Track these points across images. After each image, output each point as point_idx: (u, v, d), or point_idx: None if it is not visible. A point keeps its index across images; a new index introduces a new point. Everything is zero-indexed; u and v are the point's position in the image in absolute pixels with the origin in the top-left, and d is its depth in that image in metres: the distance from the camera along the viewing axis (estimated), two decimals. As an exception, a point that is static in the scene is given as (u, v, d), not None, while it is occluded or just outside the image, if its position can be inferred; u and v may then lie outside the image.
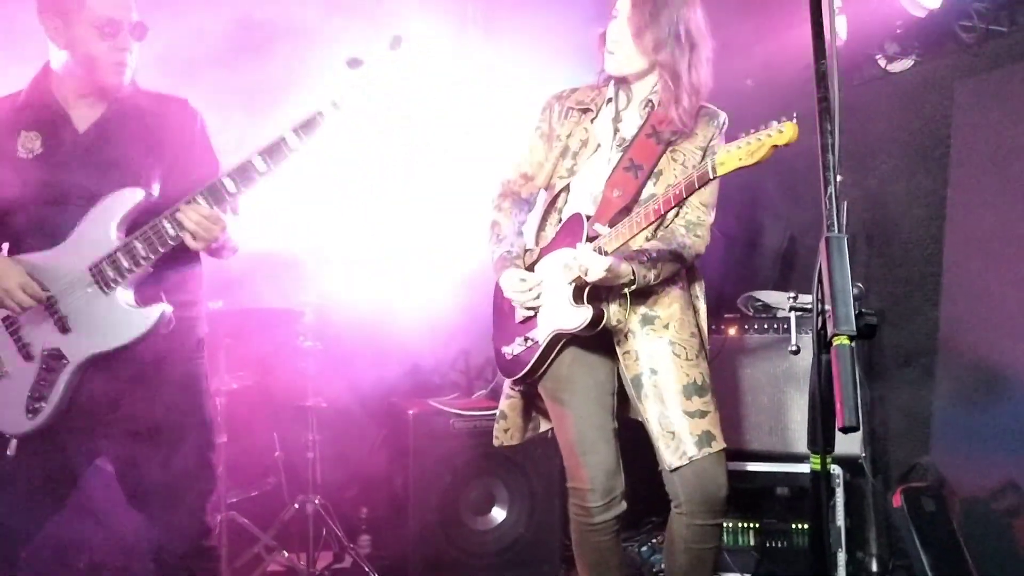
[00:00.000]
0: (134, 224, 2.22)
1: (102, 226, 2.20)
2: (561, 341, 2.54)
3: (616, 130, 2.53)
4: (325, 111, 2.16)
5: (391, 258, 4.09)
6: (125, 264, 2.18)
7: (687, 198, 2.30)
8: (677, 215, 2.51)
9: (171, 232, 2.17)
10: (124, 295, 2.20)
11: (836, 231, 1.36)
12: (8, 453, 2.19)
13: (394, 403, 4.04)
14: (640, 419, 2.54)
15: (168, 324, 2.23)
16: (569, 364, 2.56)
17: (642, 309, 2.51)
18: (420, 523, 3.67)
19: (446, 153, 4.21)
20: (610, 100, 2.56)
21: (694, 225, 2.51)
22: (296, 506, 3.74)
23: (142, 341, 2.19)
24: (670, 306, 2.51)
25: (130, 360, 2.23)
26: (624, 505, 2.58)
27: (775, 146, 2.05)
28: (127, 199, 2.21)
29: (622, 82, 2.55)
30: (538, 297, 2.53)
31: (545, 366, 2.57)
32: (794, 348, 3.21)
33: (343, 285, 3.95)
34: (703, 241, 2.52)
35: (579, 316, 2.43)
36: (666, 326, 2.49)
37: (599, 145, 2.53)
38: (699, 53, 2.41)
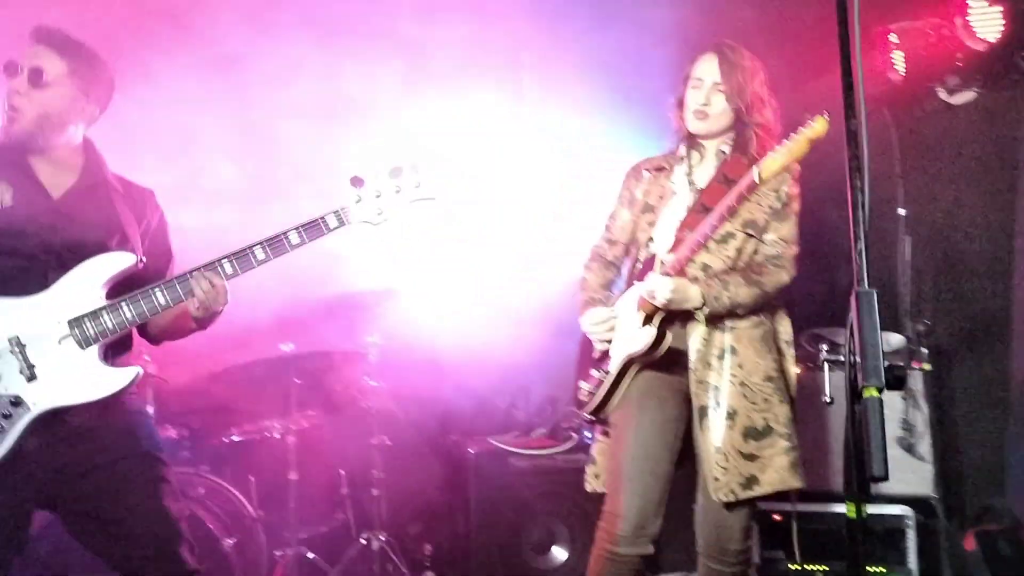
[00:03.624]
0: (116, 287, 2.29)
1: (88, 284, 2.24)
2: (631, 368, 2.64)
3: (691, 181, 2.70)
4: (330, 220, 2.30)
5: (453, 298, 4.19)
6: (109, 324, 2.22)
7: (754, 233, 2.52)
8: (756, 251, 2.61)
9: (161, 300, 2.24)
10: (99, 353, 2.24)
11: (865, 285, 1.38)
12: None
13: (455, 441, 4.12)
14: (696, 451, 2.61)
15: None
16: (640, 394, 2.65)
17: (722, 343, 2.58)
18: (482, 561, 3.72)
19: (504, 197, 4.33)
20: (683, 158, 2.75)
21: (773, 258, 2.61)
22: (362, 542, 3.83)
23: (110, 398, 2.23)
24: (749, 346, 2.58)
25: (84, 408, 2.25)
26: (651, 549, 2.61)
27: (809, 140, 2.35)
28: (118, 262, 2.27)
29: (693, 141, 2.74)
30: (612, 330, 2.67)
31: (616, 395, 2.67)
32: (828, 399, 3.21)
33: (406, 325, 4.07)
34: (785, 271, 2.61)
35: (644, 336, 2.56)
36: (740, 366, 2.56)
37: (675, 195, 2.70)
38: (768, 104, 2.66)
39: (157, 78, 3.52)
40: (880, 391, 1.31)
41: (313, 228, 2.30)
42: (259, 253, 2.27)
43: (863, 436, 1.28)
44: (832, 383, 3.66)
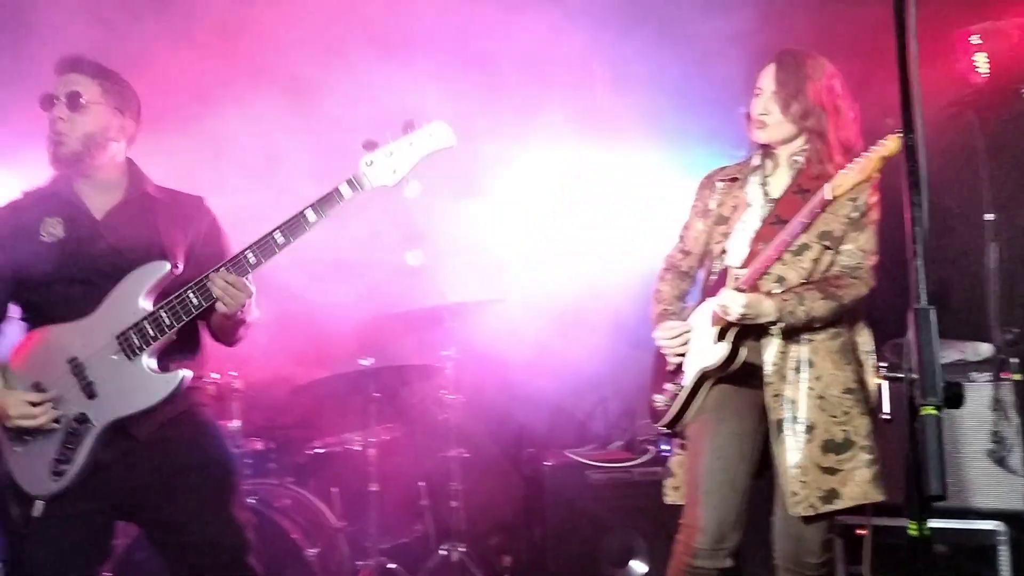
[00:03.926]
0: (161, 296, 2.37)
1: (131, 297, 2.34)
2: (706, 383, 2.63)
3: (765, 193, 2.68)
4: (343, 189, 2.32)
5: (528, 311, 4.23)
6: (151, 332, 2.31)
7: (831, 245, 2.51)
8: (832, 263, 2.58)
9: (195, 302, 2.32)
10: (148, 362, 2.32)
11: (923, 302, 1.36)
12: (34, 514, 2.31)
13: (532, 454, 4.16)
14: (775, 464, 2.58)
15: (182, 388, 2.34)
16: (716, 406, 2.64)
17: (798, 355, 2.55)
18: (560, 573, 3.74)
19: (586, 205, 4.37)
20: (757, 167, 2.73)
21: (851, 268, 2.57)
22: (442, 553, 3.90)
23: (159, 405, 2.32)
24: (826, 358, 2.55)
25: (148, 421, 2.36)
26: (730, 563, 2.57)
27: (882, 158, 2.33)
28: (155, 271, 2.36)
29: (767, 150, 2.71)
30: (685, 344, 2.66)
31: (691, 409, 2.67)
32: (887, 416, 3.11)
33: (481, 339, 4.13)
34: (863, 283, 2.56)
35: (718, 352, 2.54)
36: (818, 378, 2.52)
37: (749, 206, 2.68)
38: (843, 115, 2.60)
39: (244, 101, 3.67)
40: (939, 409, 1.29)
41: (327, 201, 2.33)
42: (279, 238, 2.30)
43: (921, 454, 1.26)
44: (895, 397, 3.57)
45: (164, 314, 2.32)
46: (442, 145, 2.38)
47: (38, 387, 2.33)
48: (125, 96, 2.52)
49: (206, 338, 2.59)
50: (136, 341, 2.32)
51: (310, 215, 2.32)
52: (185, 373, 2.34)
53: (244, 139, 3.73)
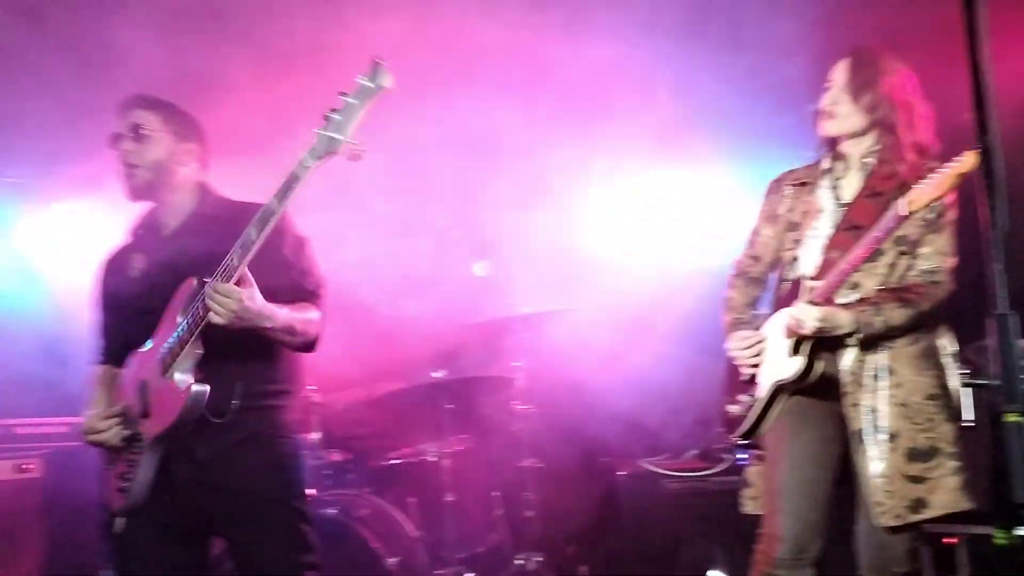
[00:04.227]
0: None
1: (173, 314, 2.38)
2: (782, 394, 2.59)
3: (836, 196, 2.63)
4: (298, 172, 2.21)
5: (598, 321, 4.24)
6: (176, 348, 2.32)
7: (907, 250, 2.46)
8: (910, 268, 2.52)
9: (200, 314, 2.28)
10: (181, 378, 2.30)
11: (1005, 308, 1.33)
12: (114, 530, 2.42)
13: (605, 464, 4.16)
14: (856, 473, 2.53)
15: (199, 404, 2.29)
16: (792, 417, 2.59)
17: (876, 363, 2.50)
18: (637, 583, 3.73)
19: (655, 213, 4.37)
20: (827, 170, 2.67)
21: (929, 272, 2.51)
22: (518, 563, 3.92)
23: (181, 420, 2.29)
24: (907, 364, 2.49)
25: (212, 441, 2.39)
26: (812, 573, 2.52)
27: (959, 175, 2.26)
28: (184, 289, 2.37)
29: (837, 153, 2.66)
30: (759, 355, 2.62)
31: (766, 420, 2.63)
32: (969, 422, 3.02)
33: (552, 349, 4.16)
34: (941, 287, 2.50)
35: (793, 366, 2.50)
36: (899, 385, 2.47)
37: (820, 212, 2.63)
38: (915, 112, 2.55)
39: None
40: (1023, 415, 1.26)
41: (287, 187, 2.22)
42: (252, 233, 2.24)
43: (1006, 461, 1.24)
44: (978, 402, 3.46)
45: (184, 329, 2.33)
46: (378, 88, 2.19)
47: (124, 411, 2.46)
48: (185, 122, 2.62)
49: (299, 356, 2.58)
50: (168, 358, 2.35)
51: (274, 204, 2.24)
52: (199, 388, 2.29)
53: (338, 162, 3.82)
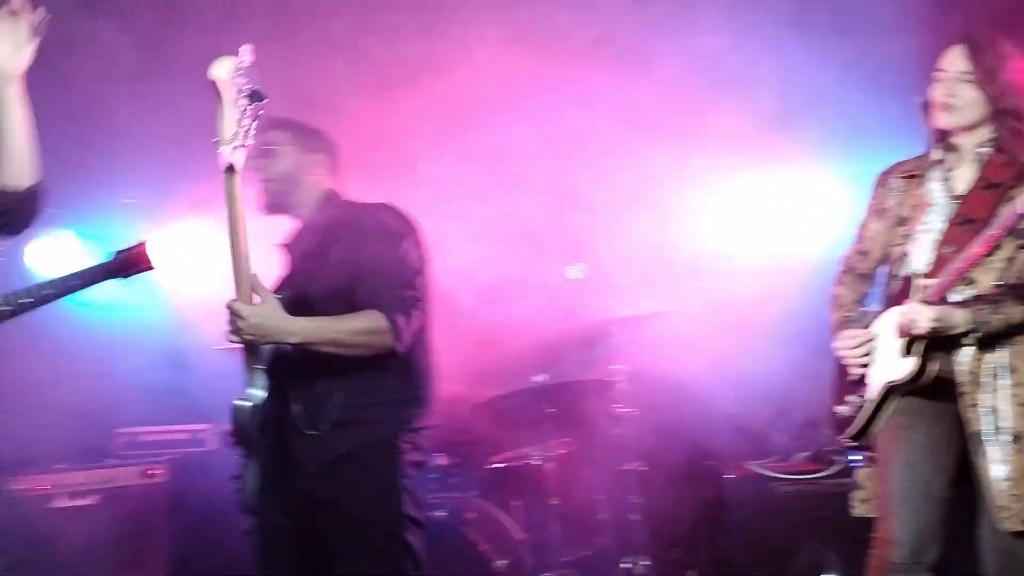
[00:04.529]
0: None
1: None
2: (893, 395, 2.51)
3: (948, 189, 2.53)
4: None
5: (700, 322, 4.18)
6: (244, 364, 2.31)
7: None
8: None
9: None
10: (251, 393, 2.28)
11: None
12: (243, 529, 2.47)
13: (711, 466, 4.09)
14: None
15: (242, 416, 2.27)
16: (905, 417, 2.50)
17: (996, 361, 2.39)
18: (747, 589, 3.65)
19: (757, 209, 4.28)
20: (937, 162, 2.57)
21: None
22: (625, 567, 3.89)
23: (236, 434, 2.29)
24: None
25: (313, 455, 2.41)
26: None
27: None
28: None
29: (948, 144, 2.56)
30: (869, 354, 2.54)
31: (877, 421, 2.54)
32: None
33: (653, 351, 4.12)
34: None
35: (905, 367, 2.42)
36: (1021, 384, 2.36)
37: (931, 206, 2.54)
38: None
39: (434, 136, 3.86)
40: None
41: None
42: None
43: None
44: None
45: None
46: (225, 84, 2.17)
47: None
48: (309, 134, 2.71)
49: (417, 364, 2.54)
50: (246, 375, 2.35)
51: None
52: (239, 403, 2.26)
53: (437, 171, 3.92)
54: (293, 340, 2.34)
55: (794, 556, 3.70)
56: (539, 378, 3.96)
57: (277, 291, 2.46)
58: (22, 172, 2.13)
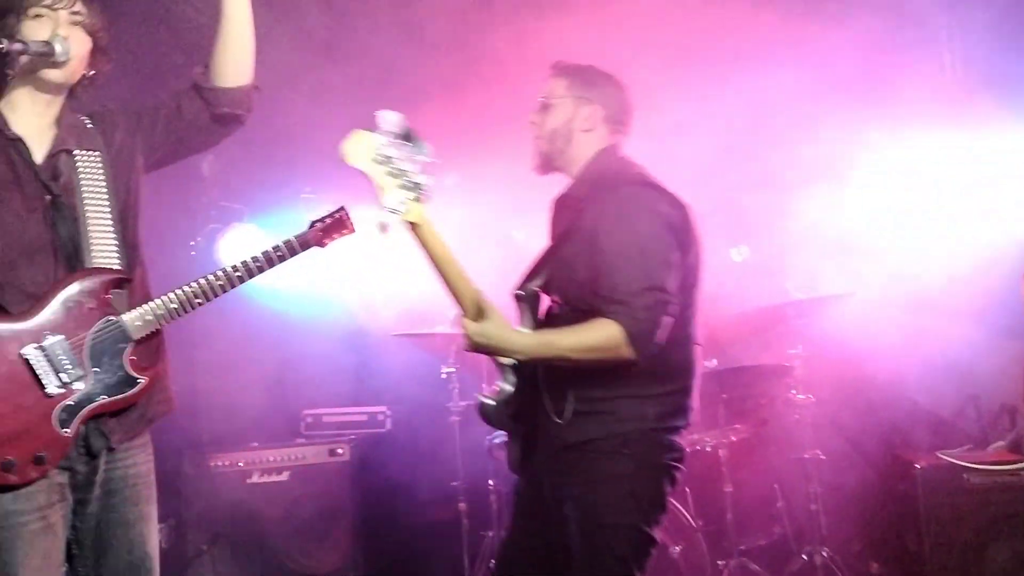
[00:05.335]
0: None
1: None
2: None
3: None
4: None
5: (881, 304, 3.98)
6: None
7: None
8: None
9: None
10: (500, 385, 2.44)
11: None
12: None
13: (897, 456, 3.89)
14: None
15: (490, 410, 2.42)
16: None
17: None
18: (940, 585, 3.47)
19: (940, 185, 4.04)
20: None
21: None
22: (804, 557, 3.79)
23: (489, 420, 2.48)
24: None
25: (549, 440, 2.38)
26: None
27: None
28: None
29: None
30: None
31: None
32: None
33: (831, 335, 3.96)
34: None
35: None
36: None
37: None
38: None
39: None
40: None
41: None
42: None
43: None
44: None
45: None
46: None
47: None
48: (593, 84, 2.42)
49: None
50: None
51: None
52: (501, 390, 2.40)
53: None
54: (518, 357, 2.24)
55: (988, 554, 3.48)
56: (711, 363, 3.89)
57: (532, 272, 2.40)
58: (247, 70, 2.36)
